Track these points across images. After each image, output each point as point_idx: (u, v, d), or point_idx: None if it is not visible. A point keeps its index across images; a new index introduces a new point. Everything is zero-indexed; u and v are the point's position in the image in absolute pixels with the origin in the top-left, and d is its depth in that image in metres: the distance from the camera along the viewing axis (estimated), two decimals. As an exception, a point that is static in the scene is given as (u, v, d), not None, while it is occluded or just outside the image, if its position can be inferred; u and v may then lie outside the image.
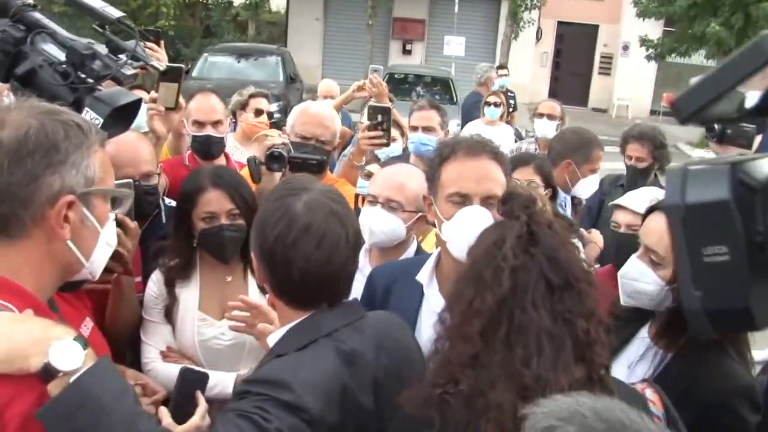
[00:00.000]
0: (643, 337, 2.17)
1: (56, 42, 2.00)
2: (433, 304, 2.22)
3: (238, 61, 16.42)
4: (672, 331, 2.06)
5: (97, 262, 1.56)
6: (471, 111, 8.37)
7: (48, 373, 1.27)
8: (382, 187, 2.68)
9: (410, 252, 2.74)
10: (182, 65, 3.11)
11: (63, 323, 1.45)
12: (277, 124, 6.84)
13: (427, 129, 4.27)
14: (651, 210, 2.16)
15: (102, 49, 2.02)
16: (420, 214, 2.67)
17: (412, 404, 1.51)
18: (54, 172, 1.40)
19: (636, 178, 4.80)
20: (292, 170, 2.86)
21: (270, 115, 5.29)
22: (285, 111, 12.95)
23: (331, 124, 3.16)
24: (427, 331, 2.10)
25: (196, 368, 1.89)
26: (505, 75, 10.28)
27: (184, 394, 1.84)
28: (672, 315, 2.05)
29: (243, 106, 5.28)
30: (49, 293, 1.52)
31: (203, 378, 1.90)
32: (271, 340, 1.76)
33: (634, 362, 2.09)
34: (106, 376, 1.35)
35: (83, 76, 1.96)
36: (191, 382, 1.87)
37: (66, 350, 1.30)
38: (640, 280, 2.09)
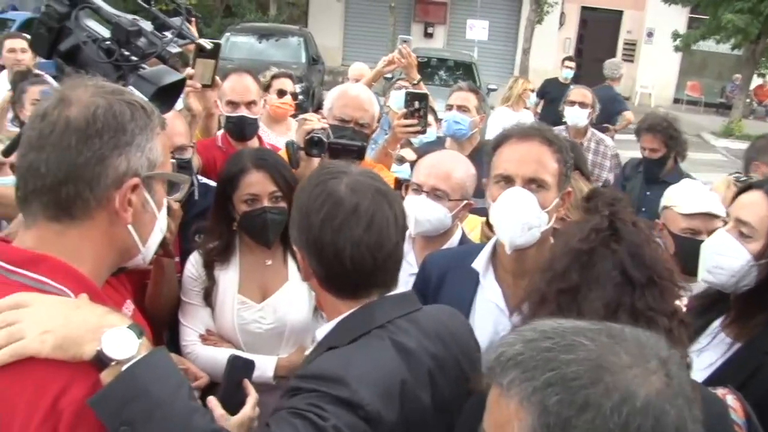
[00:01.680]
0: (715, 327, 2.12)
1: (101, 18, 1.95)
2: (488, 292, 2.19)
3: (260, 42, 16.31)
4: (744, 316, 2.02)
5: (151, 247, 1.53)
6: (608, 105, 7.75)
7: (101, 361, 1.24)
8: (428, 176, 2.62)
9: (455, 240, 2.69)
10: (220, 42, 3.05)
11: (116, 310, 1.41)
12: (301, 106, 6.78)
13: (462, 108, 4.22)
14: (746, 188, 2.13)
15: (147, 25, 1.97)
16: (465, 202, 2.62)
17: (481, 385, 1.48)
18: (120, 154, 1.36)
19: (653, 168, 4.90)
20: (331, 156, 2.79)
21: (294, 95, 5.21)
22: (307, 93, 12.98)
23: (370, 107, 3.09)
24: (481, 319, 2.07)
25: (243, 355, 1.85)
26: (571, 68, 9.98)
27: (233, 383, 1.80)
28: (749, 297, 2.00)
29: (266, 87, 5.19)
30: (104, 278, 1.48)
31: (250, 365, 1.86)
32: (320, 334, 1.67)
33: (701, 351, 2.03)
34: (160, 368, 1.30)
35: (127, 53, 1.91)
36: (240, 369, 1.83)
37: (119, 338, 1.26)
38: (725, 254, 2.03)
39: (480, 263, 2.23)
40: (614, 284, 1.50)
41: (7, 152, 1.93)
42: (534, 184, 2.06)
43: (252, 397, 1.75)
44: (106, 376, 1.24)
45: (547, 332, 1.02)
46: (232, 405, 1.69)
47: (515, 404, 0.98)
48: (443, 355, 1.62)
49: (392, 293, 1.63)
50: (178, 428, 1.26)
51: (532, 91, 8.13)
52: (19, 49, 5.77)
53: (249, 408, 1.71)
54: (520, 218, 2.04)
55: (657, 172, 4.88)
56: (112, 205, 1.37)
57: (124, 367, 1.24)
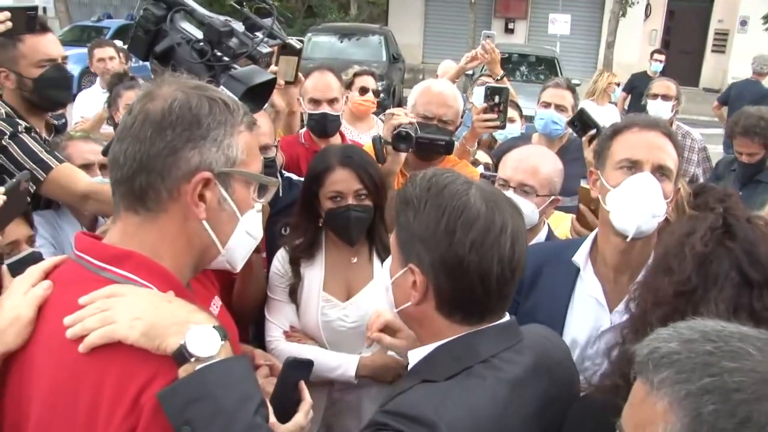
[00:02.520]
0: None
1: (194, 19, 2.00)
2: (588, 287, 2.15)
3: (341, 41, 16.48)
4: None
5: (235, 250, 1.49)
6: (757, 102, 7.19)
7: (182, 355, 1.24)
8: (515, 171, 2.59)
9: (541, 236, 2.66)
10: (303, 38, 3.09)
11: (205, 310, 1.41)
12: (382, 104, 6.81)
13: (560, 108, 4.12)
14: None
15: (239, 26, 2.00)
16: (552, 197, 2.57)
17: (601, 390, 1.45)
18: (194, 147, 1.35)
19: (750, 172, 4.59)
20: (418, 151, 2.78)
21: (376, 93, 5.23)
22: (388, 91, 13.01)
23: (454, 103, 3.05)
24: (580, 315, 2.02)
25: (300, 357, 1.78)
26: (661, 61, 9.66)
27: (287, 385, 1.70)
28: None
29: (348, 85, 5.22)
30: (186, 277, 1.47)
31: (307, 366, 1.77)
32: (414, 357, 1.53)
33: None
34: (234, 376, 1.26)
35: (219, 54, 1.95)
36: (295, 372, 1.73)
37: (203, 336, 1.26)
38: None
39: (580, 257, 2.18)
40: (733, 285, 1.44)
41: (106, 151, 2.01)
42: (659, 172, 2.03)
43: (306, 402, 1.67)
44: (183, 373, 1.24)
45: (708, 334, 0.97)
46: (286, 407, 1.62)
47: (664, 406, 0.93)
48: (550, 391, 1.51)
49: (497, 323, 1.51)
50: None
51: (618, 84, 7.90)
52: (107, 57, 6.04)
53: (302, 416, 1.63)
54: (650, 204, 1.99)
55: (753, 175, 4.63)
56: (185, 199, 1.36)
57: (198, 367, 1.23)
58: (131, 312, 1.26)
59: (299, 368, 1.74)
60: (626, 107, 9.10)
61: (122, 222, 1.40)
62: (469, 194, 1.45)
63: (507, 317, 1.54)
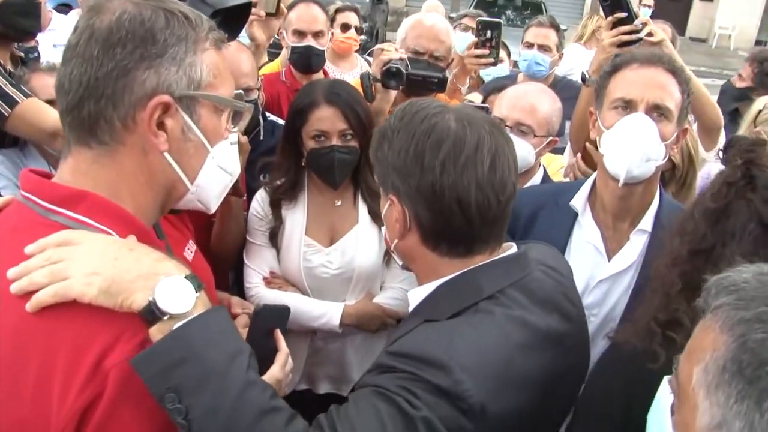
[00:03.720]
0: None
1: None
2: (586, 233, 2.05)
3: (323, -20, 16.05)
4: None
5: (206, 188, 1.32)
6: None
7: (152, 313, 1.09)
8: (511, 109, 2.45)
9: (536, 179, 2.55)
10: None
11: (172, 255, 1.25)
12: (365, 47, 6.55)
13: (543, 48, 3.97)
14: None
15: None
16: (550, 138, 2.43)
17: (636, 336, 1.40)
18: (149, 67, 1.16)
19: (728, 94, 4.67)
20: (408, 89, 2.60)
21: (359, 30, 5.00)
22: (371, 33, 12.67)
23: (446, 38, 2.87)
24: (577, 262, 1.93)
25: (274, 304, 1.66)
26: (649, 6, 9.38)
27: (259, 336, 1.57)
28: None
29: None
30: (151, 219, 1.30)
31: (282, 313, 1.63)
32: (414, 298, 1.45)
33: None
34: (218, 331, 1.14)
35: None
36: (268, 320, 1.60)
37: (174, 289, 1.11)
38: None
39: (579, 201, 2.06)
40: (753, 237, 1.36)
41: None
42: (656, 112, 1.89)
43: (282, 353, 1.54)
44: (157, 333, 1.08)
45: None
46: (260, 358, 1.43)
47: (715, 332, 0.87)
48: (562, 328, 1.41)
49: (501, 255, 1.42)
50: (229, 401, 1.10)
51: (607, 28, 7.71)
52: None
53: (277, 368, 1.49)
54: (641, 146, 1.87)
55: (729, 102, 4.71)
56: (142, 128, 1.19)
57: (177, 325, 1.09)
58: (87, 265, 1.10)
59: (273, 316, 1.61)
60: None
61: (73, 158, 1.22)
62: (440, 115, 1.36)
63: (514, 249, 1.45)
